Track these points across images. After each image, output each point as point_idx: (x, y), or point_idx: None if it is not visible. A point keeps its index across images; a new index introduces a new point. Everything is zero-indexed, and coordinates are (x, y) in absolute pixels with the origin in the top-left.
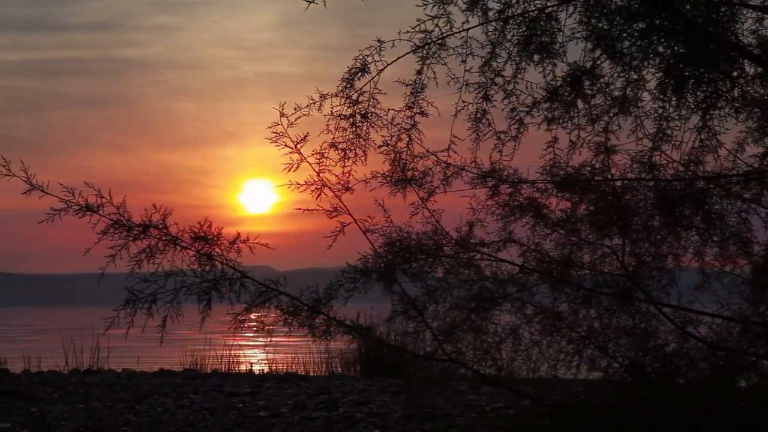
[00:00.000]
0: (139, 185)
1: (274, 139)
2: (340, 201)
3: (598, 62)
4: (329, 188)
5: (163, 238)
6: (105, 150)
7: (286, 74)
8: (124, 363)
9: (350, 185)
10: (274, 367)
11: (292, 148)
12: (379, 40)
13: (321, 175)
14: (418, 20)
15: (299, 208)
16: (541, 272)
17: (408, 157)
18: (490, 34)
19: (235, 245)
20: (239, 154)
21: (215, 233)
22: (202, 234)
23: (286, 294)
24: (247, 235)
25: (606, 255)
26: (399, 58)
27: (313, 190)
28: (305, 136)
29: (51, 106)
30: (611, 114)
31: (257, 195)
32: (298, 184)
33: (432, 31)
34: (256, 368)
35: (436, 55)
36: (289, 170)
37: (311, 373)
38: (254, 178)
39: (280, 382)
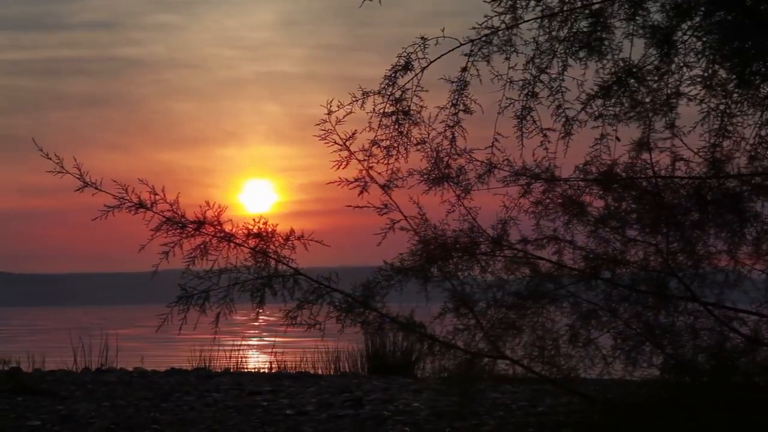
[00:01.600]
0: (139, 184)
1: (323, 136)
2: (390, 198)
3: (651, 59)
4: (378, 185)
5: (217, 235)
6: (105, 149)
7: (286, 74)
8: (126, 362)
9: (395, 183)
10: (282, 366)
11: (341, 145)
12: (422, 38)
13: (369, 171)
14: (485, 16)
15: (349, 205)
16: (589, 270)
17: (446, 154)
18: (545, 29)
19: (289, 242)
20: (239, 153)
21: (270, 230)
22: (258, 231)
23: (339, 291)
24: (302, 232)
25: (650, 253)
26: (443, 55)
27: (354, 187)
28: (353, 134)
29: (51, 106)
30: (663, 111)
31: (257, 195)
32: (348, 181)
33: (498, 27)
34: (266, 367)
35: (483, 50)
36: (338, 167)
37: (320, 372)
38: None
39: (299, 381)
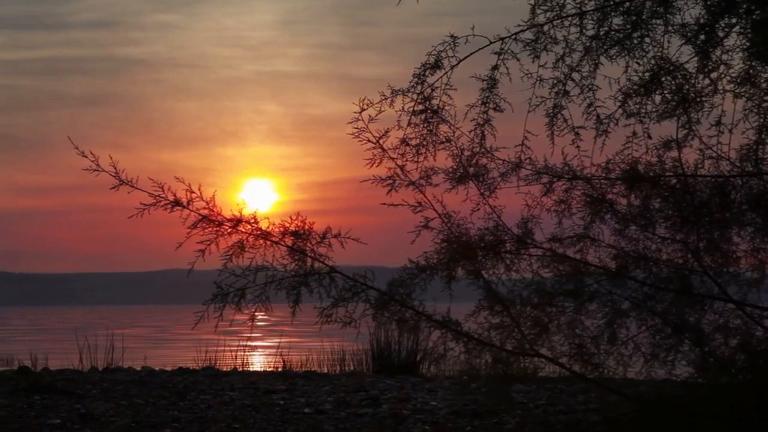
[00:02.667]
0: (140, 184)
1: (356, 134)
2: (424, 196)
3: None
4: (413, 184)
5: (254, 233)
6: (106, 149)
7: (286, 73)
8: (129, 362)
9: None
10: (288, 366)
11: (374, 143)
12: (452, 36)
13: (402, 170)
14: (532, 13)
15: (384, 203)
16: (619, 268)
17: (471, 153)
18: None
19: (326, 240)
20: (239, 153)
21: (308, 228)
22: (295, 229)
23: (376, 289)
24: (339, 230)
25: (678, 251)
26: (473, 53)
27: (385, 185)
28: (387, 131)
29: (51, 105)
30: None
31: (257, 194)
32: (381, 178)
33: (544, 25)
34: (272, 367)
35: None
36: (372, 165)
37: (325, 371)
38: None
39: (312, 380)
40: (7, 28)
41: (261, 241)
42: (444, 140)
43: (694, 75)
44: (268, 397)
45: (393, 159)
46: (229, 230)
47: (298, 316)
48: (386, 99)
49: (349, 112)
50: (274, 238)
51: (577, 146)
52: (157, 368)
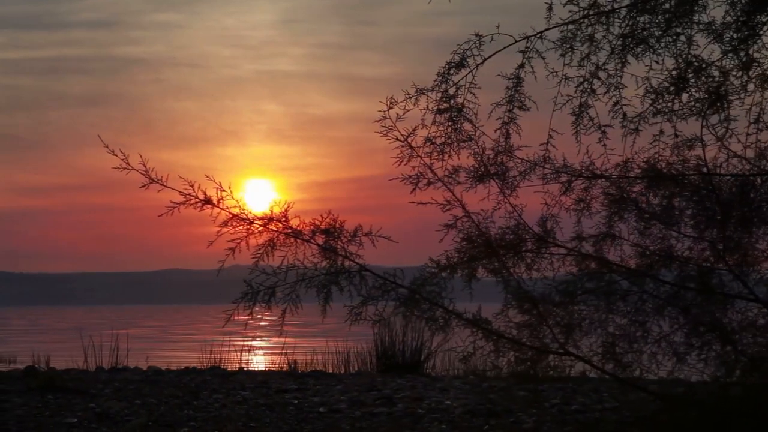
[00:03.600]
0: (140, 183)
1: (384, 132)
2: (453, 194)
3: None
4: (441, 181)
5: (284, 231)
6: (106, 148)
7: (286, 72)
8: (133, 362)
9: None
10: (293, 366)
11: (402, 141)
12: (477, 35)
13: (431, 168)
14: (548, 11)
15: (413, 202)
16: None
17: (491, 151)
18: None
19: (357, 238)
20: (239, 153)
21: (338, 226)
22: (326, 227)
23: (405, 287)
24: (370, 228)
25: (704, 250)
26: (498, 51)
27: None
28: (414, 129)
29: (51, 105)
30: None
31: (257, 194)
32: (410, 176)
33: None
34: (277, 366)
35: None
36: (399, 164)
37: (330, 371)
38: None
39: (323, 379)
40: (8, 28)
41: (292, 240)
42: (466, 138)
43: (727, 72)
44: (280, 397)
45: (421, 157)
46: (259, 228)
47: (297, 317)
48: (410, 98)
49: (350, 112)
50: (305, 237)
51: (604, 144)
52: (163, 368)
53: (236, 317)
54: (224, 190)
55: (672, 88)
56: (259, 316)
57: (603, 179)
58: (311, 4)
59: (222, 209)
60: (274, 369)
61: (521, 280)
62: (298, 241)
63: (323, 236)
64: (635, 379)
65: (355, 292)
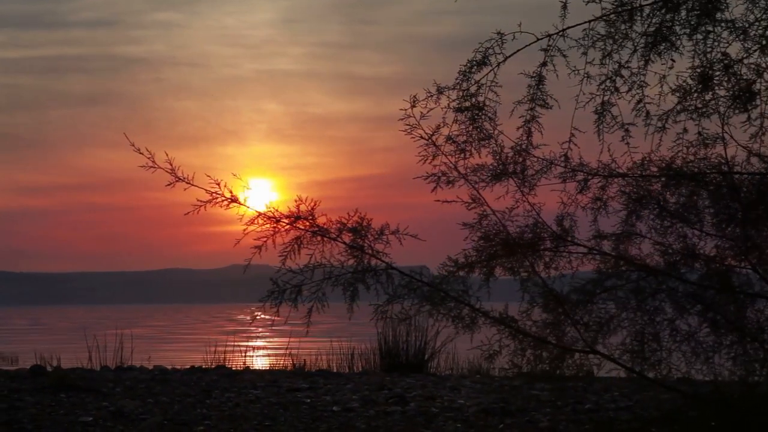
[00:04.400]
0: (141, 183)
1: (408, 131)
2: (479, 193)
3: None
4: (466, 179)
5: (311, 230)
6: (106, 148)
7: (286, 71)
8: (136, 361)
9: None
10: (298, 365)
11: (426, 139)
12: (499, 33)
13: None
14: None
15: (438, 200)
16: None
17: (512, 150)
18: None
19: (384, 236)
20: (239, 152)
21: (365, 224)
22: (354, 226)
23: (431, 285)
24: (397, 226)
25: (726, 249)
26: (519, 50)
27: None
28: (438, 127)
29: (51, 104)
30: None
31: (257, 193)
32: (435, 175)
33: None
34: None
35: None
36: (424, 162)
37: (334, 370)
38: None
39: (332, 378)
40: (8, 27)
41: (318, 238)
42: (486, 137)
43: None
44: (292, 395)
45: (446, 156)
46: (286, 227)
47: (294, 317)
48: (432, 96)
49: (350, 111)
50: (332, 235)
51: (627, 143)
52: (169, 367)
53: (237, 317)
54: (250, 189)
55: (699, 86)
56: (260, 315)
57: (625, 177)
58: (311, 3)
59: (249, 207)
60: (278, 369)
61: (545, 278)
62: (324, 239)
63: (350, 234)
64: (661, 378)
65: (382, 291)
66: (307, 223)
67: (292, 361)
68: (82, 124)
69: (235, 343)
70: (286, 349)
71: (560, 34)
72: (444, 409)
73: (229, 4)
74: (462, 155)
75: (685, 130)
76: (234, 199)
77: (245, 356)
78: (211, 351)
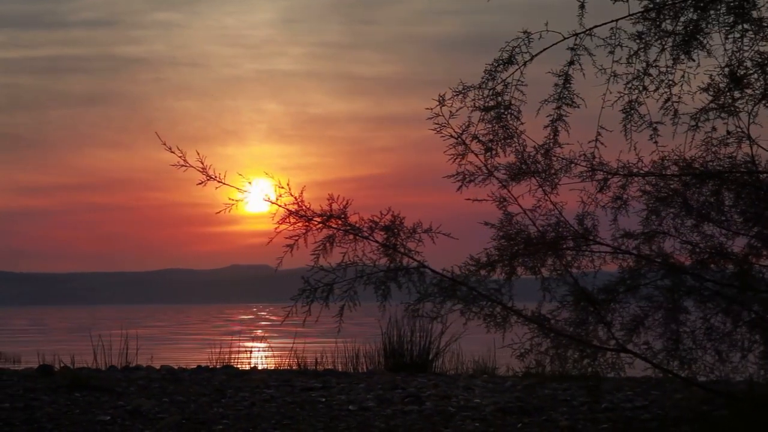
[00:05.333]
0: (141, 183)
1: (437, 129)
2: (509, 192)
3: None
4: (495, 177)
5: (343, 228)
6: (106, 148)
7: (286, 71)
8: (140, 361)
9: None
10: (303, 365)
11: (456, 138)
12: (525, 32)
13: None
14: (581, 8)
15: (469, 198)
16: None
17: (534, 149)
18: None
19: (416, 234)
20: (239, 152)
21: (398, 223)
22: (387, 224)
23: (464, 284)
24: (430, 224)
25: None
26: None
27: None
28: (467, 127)
29: (52, 104)
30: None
31: (257, 193)
32: (466, 173)
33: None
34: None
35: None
36: (454, 161)
37: (340, 369)
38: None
39: (344, 377)
40: (8, 27)
41: (350, 236)
42: (513, 135)
43: None
44: (306, 395)
45: (476, 154)
46: (318, 225)
47: (293, 317)
48: (457, 95)
49: (350, 111)
50: (364, 233)
51: (655, 142)
52: (176, 367)
53: (239, 316)
54: (282, 187)
55: (731, 84)
56: (262, 314)
57: (657, 176)
58: (311, 3)
59: (280, 206)
60: (284, 368)
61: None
62: (356, 237)
63: (383, 233)
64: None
65: (414, 289)
66: (340, 222)
67: (298, 361)
68: (82, 124)
69: (240, 343)
70: (291, 348)
71: (587, 32)
72: (461, 409)
73: (229, 4)
74: (489, 154)
75: (714, 129)
76: (265, 198)
77: (250, 356)
78: (216, 351)
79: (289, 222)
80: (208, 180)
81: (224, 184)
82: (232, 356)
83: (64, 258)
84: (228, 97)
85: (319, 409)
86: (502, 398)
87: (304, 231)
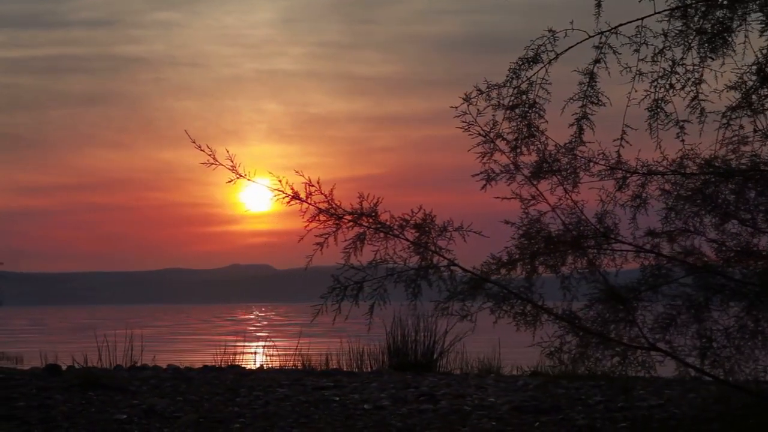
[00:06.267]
0: (141, 183)
1: (465, 128)
2: (537, 189)
3: None
4: (523, 174)
5: (374, 226)
6: (106, 148)
7: (286, 71)
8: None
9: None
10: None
11: (483, 136)
12: (550, 30)
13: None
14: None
15: (497, 197)
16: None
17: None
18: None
19: (447, 232)
20: (239, 152)
21: (429, 221)
22: (418, 222)
23: (494, 282)
24: (461, 222)
25: None
26: (571, 47)
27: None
28: (495, 125)
29: (52, 104)
30: None
31: (257, 193)
32: (494, 171)
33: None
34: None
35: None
36: (483, 159)
37: (344, 368)
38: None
39: (355, 377)
40: (7, 27)
41: (380, 234)
42: (530, 135)
43: None
44: (320, 394)
45: (504, 152)
46: (349, 223)
47: (293, 317)
48: (482, 93)
49: (350, 111)
50: (395, 232)
51: (682, 140)
52: (182, 366)
53: (241, 316)
54: (313, 185)
55: (760, 82)
56: (264, 314)
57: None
58: (311, 2)
59: (310, 204)
60: (289, 368)
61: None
62: (387, 236)
63: (414, 231)
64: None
65: (444, 287)
66: (371, 220)
67: (303, 360)
68: (82, 124)
69: (244, 343)
70: (296, 348)
71: (612, 31)
72: (476, 407)
73: (228, 3)
74: (515, 153)
75: (741, 127)
76: (296, 196)
77: (255, 355)
78: (221, 351)
79: (319, 220)
80: (238, 178)
81: (254, 182)
82: (237, 356)
83: (64, 258)
84: (228, 97)
85: (333, 408)
86: (516, 397)
87: (334, 229)
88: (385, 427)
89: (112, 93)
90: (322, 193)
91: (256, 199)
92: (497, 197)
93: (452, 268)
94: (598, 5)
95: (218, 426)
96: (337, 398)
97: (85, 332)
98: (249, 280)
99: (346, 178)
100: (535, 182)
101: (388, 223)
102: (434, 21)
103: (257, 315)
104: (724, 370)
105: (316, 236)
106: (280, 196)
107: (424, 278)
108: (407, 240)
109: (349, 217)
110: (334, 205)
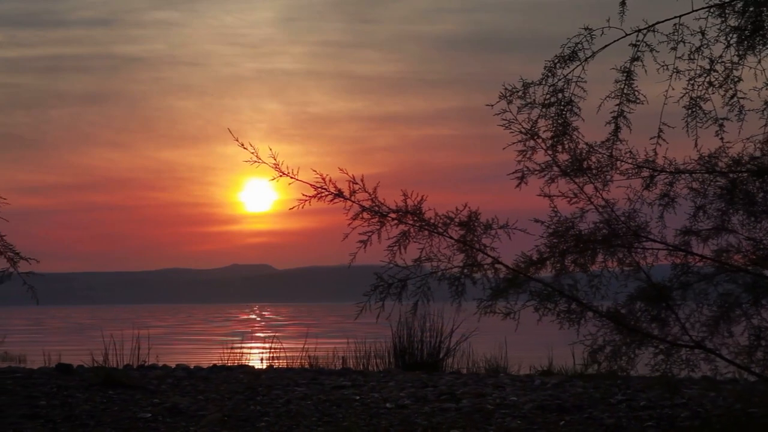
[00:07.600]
0: (140, 182)
1: (506, 126)
2: (577, 185)
3: None
4: (562, 169)
5: (418, 224)
6: (106, 147)
7: (286, 71)
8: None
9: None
10: (315, 363)
11: (524, 133)
12: (587, 28)
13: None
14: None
15: (540, 194)
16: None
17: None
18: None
19: (492, 230)
20: (239, 151)
21: (474, 219)
22: (464, 220)
23: (539, 280)
24: (507, 220)
25: None
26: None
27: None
28: (536, 121)
29: (51, 104)
30: None
31: (257, 193)
32: (538, 170)
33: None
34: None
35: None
36: (523, 157)
37: (350, 367)
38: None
39: (371, 376)
40: (6, 26)
41: (425, 232)
42: (565, 132)
43: None
44: (339, 393)
45: (546, 150)
46: (393, 221)
47: (297, 318)
48: (518, 91)
49: (350, 110)
50: (439, 230)
51: (721, 138)
52: (192, 366)
53: (242, 315)
54: (357, 183)
55: None
56: (265, 313)
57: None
58: (311, 1)
59: (354, 202)
60: (297, 367)
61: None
62: (431, 233)
63: (459, 228)
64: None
65: (488, 285)
66: (415, 218)
67: (310, 360)
68: (82, 123)
69: (248, 342)
70: (303, 347)
71: (650, 29)
72: (498, 406)
73: (228, 2)
74: (552, 150)
75: None
76: (339, 194)
77: (261, 355)
78: (227, 350)
79: (363, 218)
80: (281, 176)
81: (298, 180)
82: (243, 355)
83: (63, 258)
84: (228, 97)
85: (355, 407)
86: (537, 396)
87: (378, 227)
88: (411, 425)
89: (112, 92)
90: (366, 192)
91: (255, 199)
92: (539, 195)
93: (496, 266)
94: (623, 4)
95: (244, 424)
96: (358, 397)
97: (85, 332)
98: (249, 280)
99: (346, 177)
100: (575, 179)
101: (432, 221)
102: (434, 20)
103: (256, 316)
104: None
105: (360, 234)
106: (324, 194)
107: (469, 276)
108: (452, 238)
109: (393, 215)
110: (378, 203)
